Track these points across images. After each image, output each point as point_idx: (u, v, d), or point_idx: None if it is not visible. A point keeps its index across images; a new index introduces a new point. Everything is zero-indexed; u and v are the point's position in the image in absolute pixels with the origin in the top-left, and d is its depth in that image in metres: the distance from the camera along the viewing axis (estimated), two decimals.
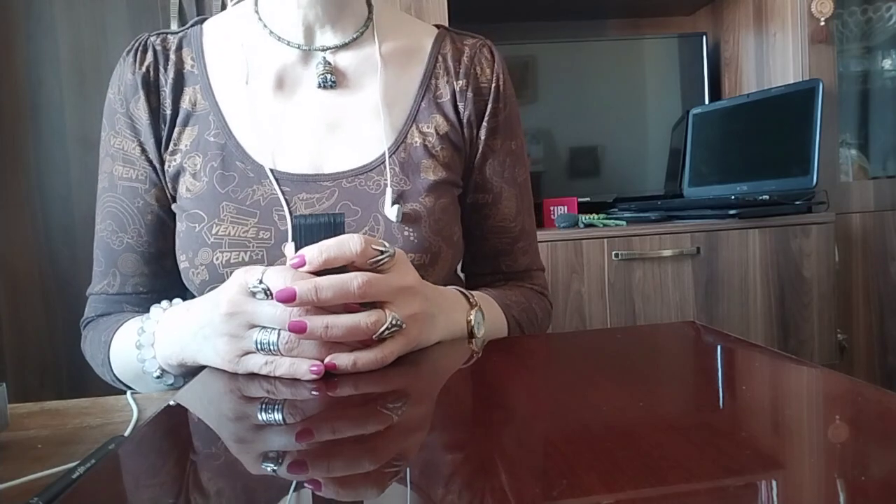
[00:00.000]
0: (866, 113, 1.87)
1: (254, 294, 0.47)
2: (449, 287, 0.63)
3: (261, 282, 0.46)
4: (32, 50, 1.74)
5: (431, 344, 0.55)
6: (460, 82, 0.73)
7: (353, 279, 0.46)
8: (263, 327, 0.47)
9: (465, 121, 0.73)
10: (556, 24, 2.00)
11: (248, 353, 0.48)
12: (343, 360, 0.46)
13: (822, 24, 1.60)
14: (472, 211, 0.77)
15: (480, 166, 0.75)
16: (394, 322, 0.47)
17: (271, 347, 0.47)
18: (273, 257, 0.63)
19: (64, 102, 1.76)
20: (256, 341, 0.47)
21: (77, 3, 1.75)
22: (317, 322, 0.45)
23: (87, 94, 1.75)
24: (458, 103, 0.73)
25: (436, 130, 0.71)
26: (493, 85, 0.74)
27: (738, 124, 1.72)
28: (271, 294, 0.46)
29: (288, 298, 0.45)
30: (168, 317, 0.58)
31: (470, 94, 0.73)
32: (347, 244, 0.47)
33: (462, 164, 0.74)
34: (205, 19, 0.74)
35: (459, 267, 0.83)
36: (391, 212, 0.65)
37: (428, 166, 0.69)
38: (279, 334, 0.46)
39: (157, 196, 0.70)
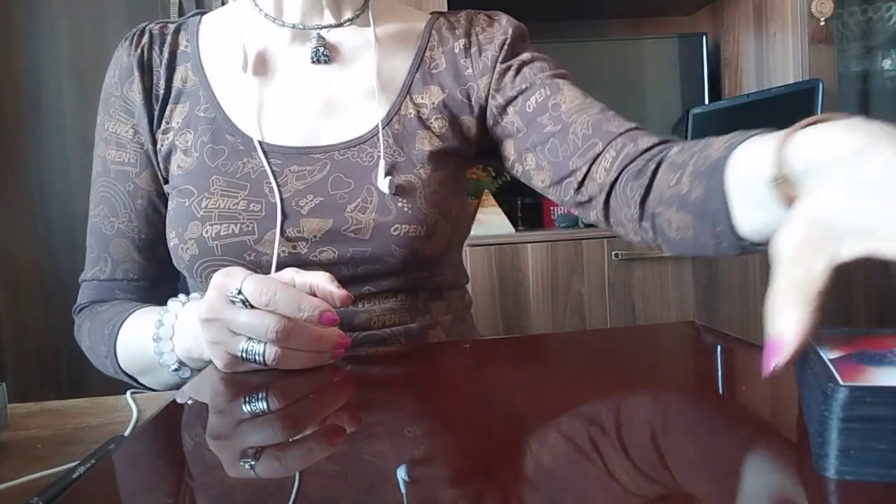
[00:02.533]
0: (866, 113, 1.86)
1: (232, 302, 0.47)
2: None
3: (240, 291, 0.46)
4: (32, 50, 1.74)
5: None
6: (461, 42, 0.72)
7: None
8: (250, 337, 0.47)
9: (476, 73, 0.70)
10: (556, 24, 2.00)
11: (236, 357, 0.48)
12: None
13: (822, 24, 1.60)
14: (537, 125, 0.67)
15: (524, 82, 0.69)
16: None
17: (257, 359, 0.46)
18: (263, 230, 0.63)
19: (64, 102, 1.76)
20: (243, 350, 0.47)
21: (77, 2, 1.75)
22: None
23: (87, 94, 1.75)
24: (462, 61, 0.71)
25: (430, 101, 0.70)
26: (499, 35, 0.71)
27: (738, 124, 1.70)
28: (250, 304, 0.46)
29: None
30: (186, 311, 0.57)
31: (474, 49, 0.71)
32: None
33: (472, 125, 0.70)
34: (204, 12, 0.75)
35: (554, 196, 0.69)
36: (384, 183, 0.64)
37: (423, 137, 0.68)
38: (265, 347, 0.46)
39: (148, 180, 0.70)
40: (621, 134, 0.63)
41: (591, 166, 0.63)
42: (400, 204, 0.64)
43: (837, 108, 1.66)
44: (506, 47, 0.70)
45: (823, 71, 1.61)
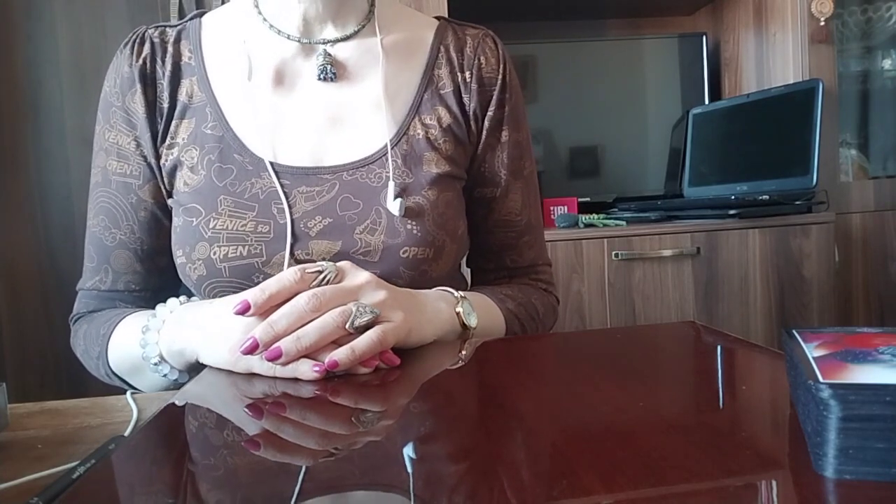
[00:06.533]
0: (866, 113, 1.87)
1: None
2: (431, 290, 0.63)
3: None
4: (32, 50, 1.74)
5: (427, 338, 0.55)
6: (465, 74, 0.72)
7: (300, 298, 0.49)
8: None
9: (470, 113, 0.72)
10: (556, 24, 2.00)
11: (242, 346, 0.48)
12: (342, 353, 0.47)
13: (822, 24, 1.60)
14: (478, 204, 0.76)
15: (486, 159, 0.74)
16: (361, 309, 0.49)
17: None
18: (272, 252, 0.63)
19: (64, 102, 1.76)
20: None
21: (77, 2, 1.75)
22: (288, 341, 0.47)
23: (87, 94, 1.75)
24: (463, 95, 0.72)
25: (438, 123, 0.70)
26: (499, 76, 0.73)
27: (738, 124, 1.72)
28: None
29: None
30: (185, 307, 0.57)
31: (475, 86, 0.72)
32: (285, 276, 0.50)
33: (466, 157, 0.73)
34: (204, 13, 0.73)
35: (465, 262, 0.83)
36: (394, 205, 0.64)
37: (430, 159, 0.68)
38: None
39: (151, 192, 0.68)
40: (513, 268, 0.79)
41: (479, 264, 0.81)
42: (409, 226, 0.64)
43: (837, 107, 1.66)
44: (494, 105, 0.73)
45: (823, 71, 1.61)
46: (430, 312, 0.57)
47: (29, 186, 1.76)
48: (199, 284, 0.64)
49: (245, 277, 0.63)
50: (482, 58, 0.72)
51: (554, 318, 0.81)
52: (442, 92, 0.71)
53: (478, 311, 0.63)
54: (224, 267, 0.62)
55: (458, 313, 0.60)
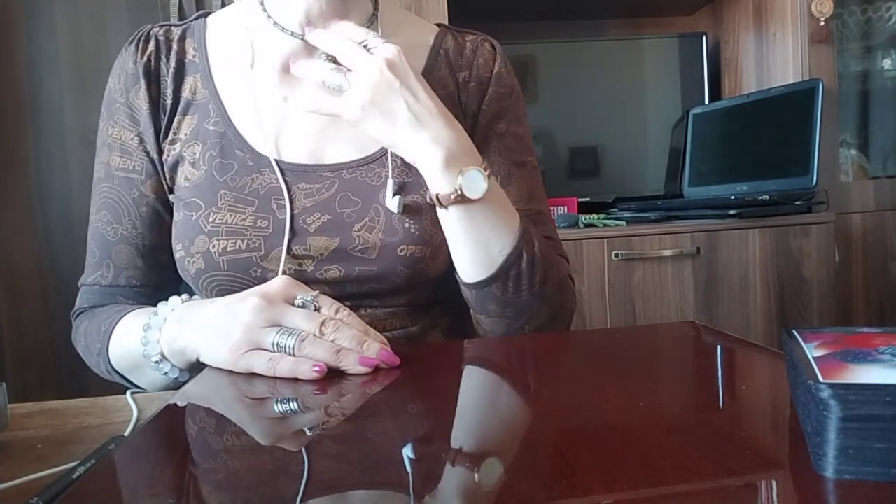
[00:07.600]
0: (866, 113, 1.87)
1: (294, 304, 0.52)
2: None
3: (314, 298, 0.53)
4: (32, 50, 1.74)
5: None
6: (462, 74, 0.73)
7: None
8: (280, 330, 0.50)
9: (468, 112, 0.72)
10: (556, 24, 2.00)
11: (255, 349, 0.49)
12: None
13: (822, 24, 1.60)
14: None
15: (482, 150, 0.72)
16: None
17: (286, 349, 0.49)
18: (270, 246, 0.63)
19: (64, 102, 1.76)
20: (273, 342, 0.49)
21: (77, 2, 1.75)
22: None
23: (87, 94, 1.75)
24: (461, 94, 0.72)
25: None
26: (494, 72, 0.73)
27: (738, 124, 1.72)
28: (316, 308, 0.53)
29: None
30: (187, 305, 0.58)
31: (472, 84, 0.72)
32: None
33: None
34: (209, 13, 0.74)
35: None
36: (392, 203, 0.65)
37: None
38: (296, 338, 0.49)
39: (153, 188, 0.69)
40: None
41: None
42: (407, 224, 0.65)
43: (837, 107, 1.66)
44: (489, 99, 0.72)
45: (823, 71, 1.61)
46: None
47: (29, 186, 1.76)
48: (197, 278, 0.65)
49: (243, 271, 0.63)
50: (480, 59, 0.73)
51: (569, 300, 0.71)
52: (441, 94, 0.71)
53: (492, 188, 0.59)
54: (222, 260, 0.63)
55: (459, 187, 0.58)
